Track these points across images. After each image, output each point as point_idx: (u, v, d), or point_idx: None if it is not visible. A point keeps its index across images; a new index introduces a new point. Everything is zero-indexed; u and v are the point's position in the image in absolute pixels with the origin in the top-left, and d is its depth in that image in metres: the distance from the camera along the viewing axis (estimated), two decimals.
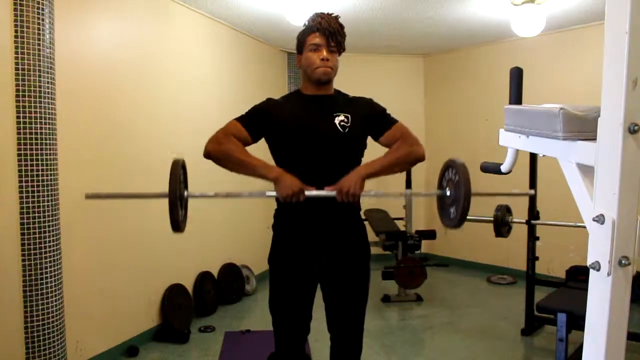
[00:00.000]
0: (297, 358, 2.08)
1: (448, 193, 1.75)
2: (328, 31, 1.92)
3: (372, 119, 1.99)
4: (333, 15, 1.98)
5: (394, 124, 1.98)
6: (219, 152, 1.89)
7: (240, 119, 1.97)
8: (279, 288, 2.03)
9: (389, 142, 1.96)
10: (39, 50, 2.60)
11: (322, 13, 1.97)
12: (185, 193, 1.70)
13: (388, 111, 2.04)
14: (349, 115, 1.96)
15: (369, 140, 2.03)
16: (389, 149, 1.94)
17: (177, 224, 1.62)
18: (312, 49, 1.94)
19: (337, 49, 1.96)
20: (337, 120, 1.94)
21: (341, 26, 1.97)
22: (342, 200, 1.78)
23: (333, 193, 1.79)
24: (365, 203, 2.10)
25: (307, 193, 1.77)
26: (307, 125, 1.94)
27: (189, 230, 4.25)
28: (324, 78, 1.94)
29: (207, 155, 1.90)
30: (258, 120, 1.96)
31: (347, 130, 1.93)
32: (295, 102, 2.02)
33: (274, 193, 1.78)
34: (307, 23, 1.99)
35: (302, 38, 1.99)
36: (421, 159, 1.94)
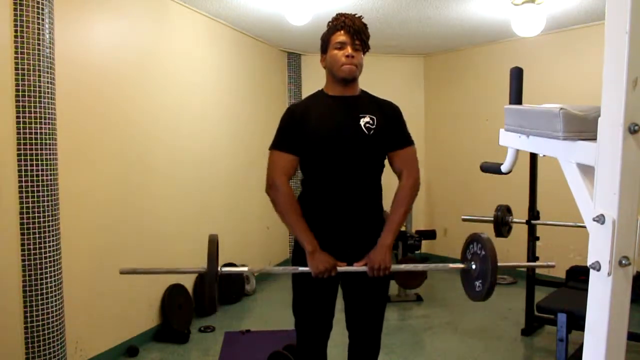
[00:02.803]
0: (319, 356, 2.10)
1: (474, 267, 1.82)
2: (352, 29, 1.94)
3: (394, 129, 2.01)
4: (357, 15, 2.01)
5: (408, 146, 2.03)
6: (275, 202, 1.97)
7: (277, 146, 1.99)
8: (303, 289, 2.05)
9: (396, 164, 2.02)
10: (39, 50, 2.60)
11: (345, 13, 2.00)
12: (219, 269, 1.78)
13: (407, 129, 2.07)
14: (375, 117, 1.97)
15: None
16: (395, 199, 1.99)
17: (214, 303, 1.75)
18: (337, 47, 1.96)
19: (361, 47, 1.98)
20: (362, 122, 1.96)
21: (365, 25, 2.00)
22: (373, 275, 1.88)
23: (364, 268, 1.89)
24: None
25: (339, 269, 1.87)
26: (333, 127, 1.96)
27: (188, 230, 4.25)
28: (350, 75, 1.96)
29: (268, 195, 1.99)
30: (292, 138, 1.98)
31: (372, 132, 1.95)
32: (320, 103, 2.02)
33: (307, 269, 1.88)
34: (330, 23, 2.01)
35: (326, 37, 2.01)
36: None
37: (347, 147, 1.94)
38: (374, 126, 1.95)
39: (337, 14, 2.01)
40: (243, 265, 1.88)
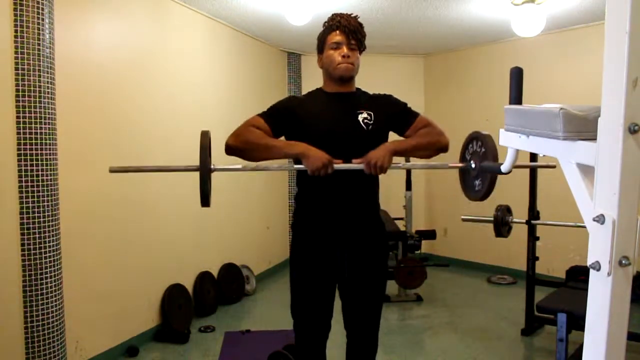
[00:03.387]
0: (318, 356, 2.10)
1: (473, 165, 1.75)
2: (348, 29, 1.95)
3: (396, 115, 2.01)
4: (352, 15, 2.01)
5: (417, 117, 2.01)
6: (240, 142, 1.86)
7: (262, 114, 1.97)
8: (300, 290, 2.04)
9: (415, 133, 1.98)
10: (39, 50, 2.60)
11: (340, 13, 2.00)
12: (212, 166, 1.67)
13: (409, 105, 2.06)
14: (372, 113, 1.98)
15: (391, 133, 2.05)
16: (416, 133, 1.95)
17: (207, 197, 1.64)
18: (333, 47, 1.97)
19: (357, 47, 1.99)
20: (360, 118, 1.96)
21: (360, 25, 2.00)
22: (369, 172, 1.78)
23: (361, 166, 1.79)
24: None
25: (335, 166, 1.78)
26: (331, 123, 1.96)
27: (189, 230, 4.25)
28: (346, 75, 1.97)
29: (228, 148, 1.87)
30: (281, 117, 1.97)
31: (370, 127, 1.96)
32: (318, 100, 2.03)
33: (302, 166, 1.80)
34: (326, 23, 2.02)
35: (322, 37, 2.02)
36: (446, 149, 1.96)
37: (346, 143, 1.93)
38: (372, 121, 1.96)
39: (332, 14, 2.01)
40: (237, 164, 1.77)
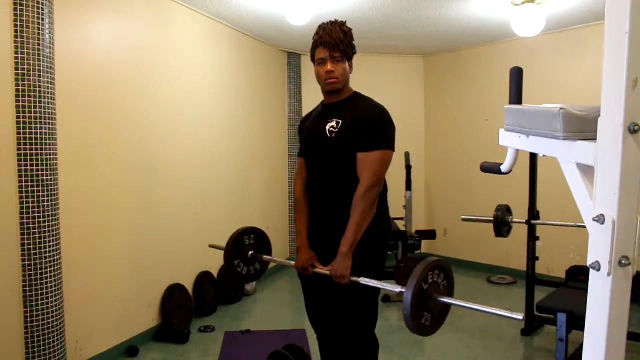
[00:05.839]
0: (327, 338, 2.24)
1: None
2: (330, 44, 2.00)
3: (361, 131, 1.97)
4: (338, 22, 2.04)
5: (371, 151, 1.95)
6: (294, 198, 2.32)
7: (299, 154, 2.27)
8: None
9: (357, 167, 1.98)
10: (39, 50, 2.60)
11: (325, 24, 2.05)
12: (250, 253, 2.53)
13: (387, 132, 2.00)
14: (341, 121, 2.03)
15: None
16: (352, 208, 1.96)
17: (236, 275, 2.42)
18: (319, 63, 2.06)
19: (342, 58, 2.02)
20: (327, 127, 2.05)
21: (345, 33, 2.03)
22: (337, 282, 1.97)
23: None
24: None
25: (315, 270, 2.06)
26: (309, 135, 2.14)
27: (189, 230, 4.24)
28: (332, 90, 2.06)
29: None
30: (301, 145, 2.27)
31: (333, 135, 2.02)
32: (315, 113, 2.21)
33: (293, 263, 2.18)
34: (314, 37, 2.08)
35: (312, 52, 2.12)
36: (378, 197, 1.99)
37: (313, 152, 2.11)
38: (337, 129, 2.02)
39: (318, 27, 2.07)
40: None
